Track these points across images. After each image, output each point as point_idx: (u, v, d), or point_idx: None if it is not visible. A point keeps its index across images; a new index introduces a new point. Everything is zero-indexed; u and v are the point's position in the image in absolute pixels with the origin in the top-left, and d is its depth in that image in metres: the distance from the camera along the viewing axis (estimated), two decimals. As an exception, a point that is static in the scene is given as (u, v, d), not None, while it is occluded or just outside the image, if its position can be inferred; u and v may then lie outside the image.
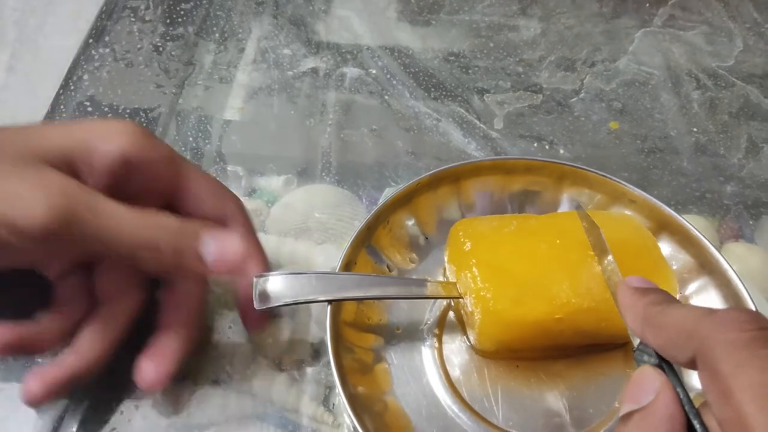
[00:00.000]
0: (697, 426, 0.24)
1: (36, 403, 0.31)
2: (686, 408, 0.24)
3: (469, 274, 0.36)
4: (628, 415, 0.25)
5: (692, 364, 0.24)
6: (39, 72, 0.53)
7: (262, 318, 0.35)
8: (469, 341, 0.38)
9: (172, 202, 0.34)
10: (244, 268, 0.33)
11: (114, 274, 0.34)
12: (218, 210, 0.35)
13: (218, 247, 0.32)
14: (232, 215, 0.35)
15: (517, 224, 0.38)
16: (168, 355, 0.32)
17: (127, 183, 0.32)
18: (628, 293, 0.29)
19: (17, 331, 0.32)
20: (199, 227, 0.32)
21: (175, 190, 0.34)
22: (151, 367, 0.32)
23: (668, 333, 0.25)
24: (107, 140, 0.32)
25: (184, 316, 0.34)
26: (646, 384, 0.25)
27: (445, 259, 0.40)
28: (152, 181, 0.33)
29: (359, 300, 0.37)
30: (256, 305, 0.33)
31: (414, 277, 0.41)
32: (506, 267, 0.36)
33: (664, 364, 0.26)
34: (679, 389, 0.25)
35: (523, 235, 0.38)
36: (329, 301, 0.35)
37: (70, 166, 0.31)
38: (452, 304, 0.40)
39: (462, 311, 0.38)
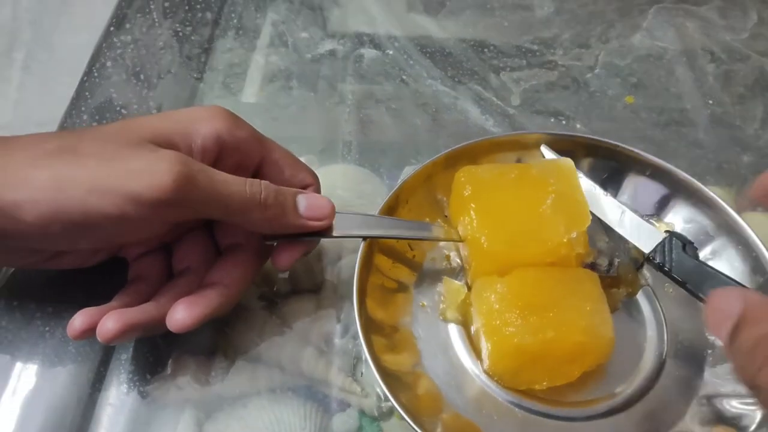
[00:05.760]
0: None
1: (109, 340, 0.32)
2: None
3: (467, 219, 0.38)
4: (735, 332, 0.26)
5: None
6: (55, 71, 0.54)
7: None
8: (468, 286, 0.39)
9: (256, 175, 0.37)
10: (332, 220, 0.37)
11: (193, 248, 0.38)
12: (295, 178, 0.38)
13: (310, 201, 0.36)
14: (307, 182, 0.39)
15: (518, 173, 0.39)
16: (205, 304, 0.34)
17: (221, 160, 0.36)
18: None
19: (133, 315, 0.33)
20: (292, 189, 0.36)
21: (260, 164, 0.38)
22: (185, 311, 0.33)
23: None
24: (204, 123, 0.35)
25: (234, 279, 0.36)
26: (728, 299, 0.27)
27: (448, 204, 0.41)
28: (241, 156, 0.36)
29: (359, 237, 0.38)
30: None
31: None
32: (503, 212, 0.38)
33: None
34: None
35: (522, 183, 0.39)
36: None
37: (172, 148, 0.33)
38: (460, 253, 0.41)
39: (462, 255, 0.40)
